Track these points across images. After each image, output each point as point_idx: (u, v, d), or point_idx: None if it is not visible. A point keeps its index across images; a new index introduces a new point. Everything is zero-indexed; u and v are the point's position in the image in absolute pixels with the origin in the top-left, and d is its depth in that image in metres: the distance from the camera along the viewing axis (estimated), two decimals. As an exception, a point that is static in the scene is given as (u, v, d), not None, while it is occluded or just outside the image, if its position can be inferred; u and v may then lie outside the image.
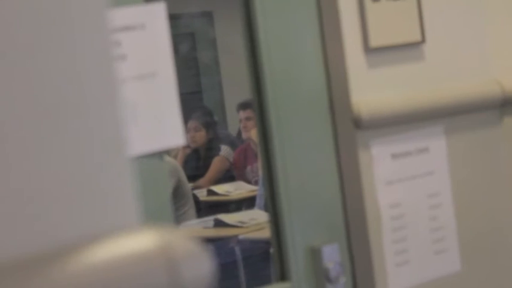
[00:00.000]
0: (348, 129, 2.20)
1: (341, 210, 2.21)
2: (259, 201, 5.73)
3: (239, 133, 7.25)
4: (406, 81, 2.31)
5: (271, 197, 2.15)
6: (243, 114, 6.63)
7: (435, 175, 2.34)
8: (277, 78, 2.11)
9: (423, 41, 2.30)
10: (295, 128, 2.15)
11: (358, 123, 2.20)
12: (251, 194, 6.17)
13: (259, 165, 6.32)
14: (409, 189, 2.29)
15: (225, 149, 6.88)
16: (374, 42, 2.21)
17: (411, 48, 2.30)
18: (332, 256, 2.17)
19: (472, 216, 2.43)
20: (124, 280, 0.72)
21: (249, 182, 6.46)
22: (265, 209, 5.41)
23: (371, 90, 2.24)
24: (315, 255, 2.16)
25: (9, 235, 0.71)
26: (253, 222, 5.37)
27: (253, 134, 6.31)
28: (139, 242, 0.74)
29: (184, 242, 0.76)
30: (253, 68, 2.11)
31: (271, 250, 2.44)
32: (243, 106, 6.62)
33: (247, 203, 6.15)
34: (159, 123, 1.86)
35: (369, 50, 2.22)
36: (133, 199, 0.76)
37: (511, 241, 2.51)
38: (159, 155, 1.98)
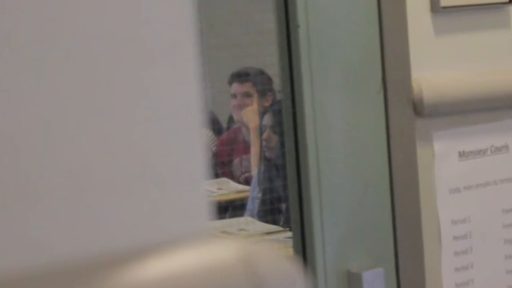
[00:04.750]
0: (404, 116, 2.05)
1: (390, 225, 2.07)
2: (251, 206, 4.96)
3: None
4: (485, 54, 2.15)
5: (298, 203, 2.02)
6: (238, 88, 5.68)
7: (515, 183, 2.29)
8: (314, 43, 1.95)
9: (510, 1, 2.12)
10: (334, 111, 1.99)
11: (418, 108, 2.03)
12: (239, 195, 5.44)
13: (251, 158, 5.49)
14: (479, 201, 2.15)
15: (205, 135, 6.14)
16: (445, 0, 2.03)
17: (493, 10, 2.14)
18: (375, 284, 2.05)
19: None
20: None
21: (236, 179, 5.73)
22: (259, 217, 4.70)
23: (438, 64, 2.07)
24: (352, 282, 2.03)
25: (80, 235, 0.75)
26: (243, 234, 4.77)
27: (246, 115, 5.48)
28: (220, 252, 0.76)
29: (271, 255, 0.78)
30: (284, 27, 1.97)
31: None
32: (239, 78, 5.70)
33: (233, 207, 5.52)
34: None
35: (438, 10, 2.03)
36: (206, 201, 0.79)
37: None
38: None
